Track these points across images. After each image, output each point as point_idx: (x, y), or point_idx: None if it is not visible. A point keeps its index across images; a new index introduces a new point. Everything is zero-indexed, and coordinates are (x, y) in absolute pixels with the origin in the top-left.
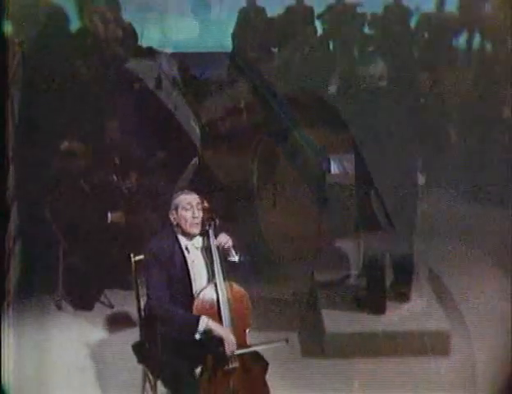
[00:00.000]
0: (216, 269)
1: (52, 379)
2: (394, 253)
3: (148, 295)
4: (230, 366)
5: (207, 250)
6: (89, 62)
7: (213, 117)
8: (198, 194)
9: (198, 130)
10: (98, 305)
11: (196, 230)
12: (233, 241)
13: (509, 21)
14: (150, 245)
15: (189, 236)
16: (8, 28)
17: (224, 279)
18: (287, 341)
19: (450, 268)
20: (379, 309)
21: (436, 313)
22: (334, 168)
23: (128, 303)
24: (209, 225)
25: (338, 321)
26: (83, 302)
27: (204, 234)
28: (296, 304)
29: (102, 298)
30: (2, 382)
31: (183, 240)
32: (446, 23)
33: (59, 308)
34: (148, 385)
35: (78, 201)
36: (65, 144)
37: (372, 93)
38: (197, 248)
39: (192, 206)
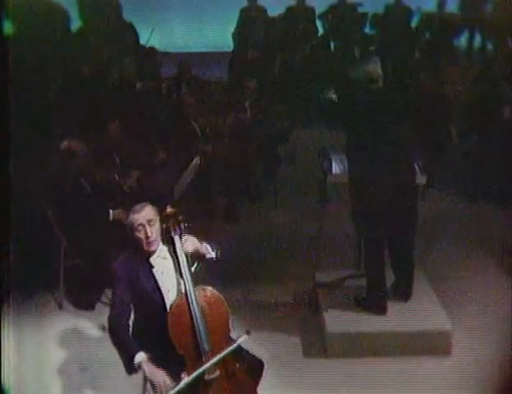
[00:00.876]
0: (184, 277)
1: (53, 379)
2: (395, 253)
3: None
4: (209, 377)
5: (174, 258)
6: (89, 62)
7: (215, 117)
8: (196, 196)
9: (199, 130)
10: (98, 305)
11: (153, 247)
12: (201, 240)
13: (509, 21)
14: (114, 265)
15: (147, 253)
16: (8, 28)
17: (194, 285)
18: (248, 332)
19: (451, 267)
20: (380, 310)
21: (437, 313)
22: (335, 169)
23: None
24: (174, 230)
25: (339, 321)
26: (84, 302)
27: (170, 242)
28: (297, 304)
29: (103, 298)
30: (2, 382)
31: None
32: (447, 23)
33: (60, 307)
34: (148, 385)
35: (79, 200)
36: (65, 144)
37: (374, 93)
38: (164, 258)
39: (143, 225)
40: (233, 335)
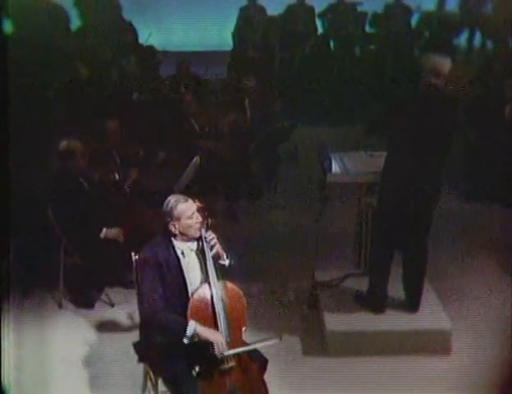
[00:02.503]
0: (209, 269)
1: (53, 378)
2: (409, 266)
3: (139, 300)
4: (227, 366)
5: (201, 251)
6: (89, 61)
7: (214, 116)
8: (192, 195)
9: (199, 130)
10: (98, 304)
11: (199, 232)
12: (221, 244)
13: (509, 20)
14: (144, 252)
15: (189, 240)
16: (8, 28)
17: (218, 278)
18: (281, 338)
19: (451, 267)
20: (378, 308)
21: (436, 312)
22: (335, 167)
23: (129, 301)
24: (202, 224)
25: (339, 320)
26: (83, 300)
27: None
28: (297, 303)
29: (103, 296)
30: (2, 381)
31: (179, 245)
32: (447, 22)
33: (60, 306)
34: (149, 383)
35: (78, 200)
36: (64, 143)
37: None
38: (192, 250)
39: (194, 213)
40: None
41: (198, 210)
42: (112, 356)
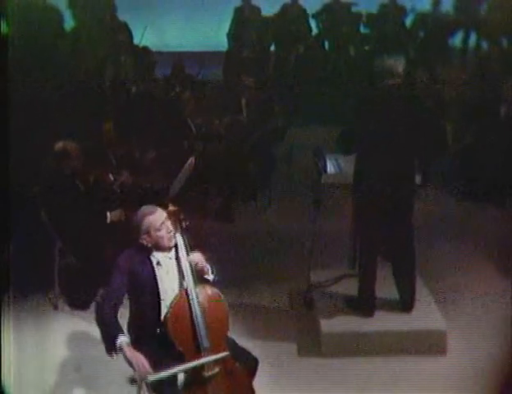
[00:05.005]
0: (186, 275)
1: (51, 378)
2: (398, 266)
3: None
4: (208, 373)
5: (178, 258)
6: (83, 61)
7: (210, 117)
8: (191, 196)
9: (194, 130)
10: (94, 305)
11: (173, 241)
12: (206, 260)
13: (504, 21)
14: (121, 259)
15: (165, 249)
16: (7, 28)
17: (196, 284)
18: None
19: (446, 267)
20: (367, 312)
21: (432, 312)
22: (330, 168)
23: (124, 302)
24: (176, 228)
25: (334, 321)
26: (79, 301)
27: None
28: (292, 304)
29: (98, 298)
30: (2, 381)
31: (156, 255)
32: (442, 22)
33: (55, 307)
34: (144, 384)
35: (73, 200)
36: (59, 144)
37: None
38: (170, 258)
39: (163, 222)
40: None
41: (172, 214)
42: (108, 357)
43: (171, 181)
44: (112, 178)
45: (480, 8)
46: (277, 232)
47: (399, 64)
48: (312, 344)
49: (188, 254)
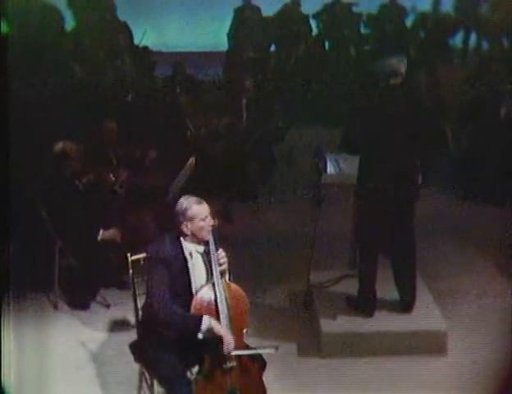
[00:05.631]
0: (214, 270)
1: (51, 378)
2: (398, 266)
3: (148, 297)
4: (228, 365)
5: (207, 253)
6: (83, 62)
7: (210, 117)
8: (199, 196)
9: (194, 130)
10: (94, 305)
11: (209, 235)
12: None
13: (504, 20)
14: (153, 248)
15: (198, 242)
16: (7, 28)
17: (222, 279)
18: (277, 348)
19: (446, 267)
20: (367, 312)
21: (432, 313)
22: (330, 168)
23: (124, 302)
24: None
25: (334, 321)
26: (79, 302)
27: None
28: (292, 304)
29: (99, 298)
30: (2, 381)
31: (188, 246)
32: (442, 23)
33: (55, 308)
34: (144, 384)
35: (73, 201)
36: (59, 145)
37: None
38: (198, 252)
39: (207, 216)
40: None
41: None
42: (108, 357)
43: (171, 182)
44: (112, 178)
45: (480, 8)
46: (277, 232)
47: (401, 64)
48: (312, 344)
49: (217, 251)
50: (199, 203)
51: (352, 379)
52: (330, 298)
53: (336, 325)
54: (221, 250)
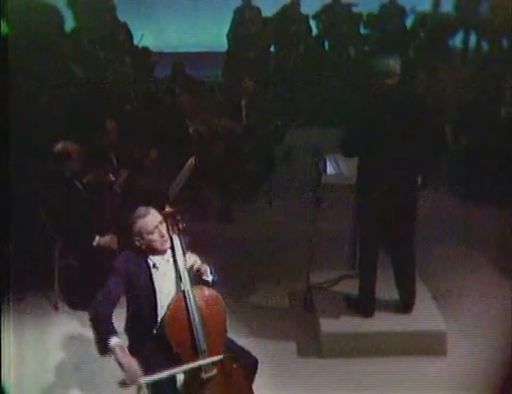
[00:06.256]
0: (182, 276)
1: (51, 379)
2: (398, 267)
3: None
4: (205, 375)
5: (175, 260)
6: (84, 62)
7: (210, 117)
8: (191, 196)
9: (194, 131)
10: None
11: (167, 245)
12: (204, 261)
13: (504, 21)
14: (117, 262)
15: (161, 252)
16: (7, 28)
17: (192, 285)
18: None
19: (446, 268)
20: (367, 312)
21: (432, 313)
22: (330, 169)
23: (124, 303)
24: (173, 230)
25: (334, 321)
26: (78, 302)
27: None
28: (292, 304)
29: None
30: (2, 381)
31: (152, 258)
32: (442, 23)
33: (55, 308)
34: (144, 384)
35: (72, 202)
36: (59, 145)
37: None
38: (168, 261)
39: (156, 226)
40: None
41: (169, 215)
42: (108, 357)
43: (171, 182)
44: (112, 178)
45: (480, 8)
46: (277, 232)
47: (396, 64)
48: (311, 344)
49: (184, 256)
50: (144, 215)
51: (352, 379)
52: (329, 298)
53: (335, 325)
54: (188, 254)
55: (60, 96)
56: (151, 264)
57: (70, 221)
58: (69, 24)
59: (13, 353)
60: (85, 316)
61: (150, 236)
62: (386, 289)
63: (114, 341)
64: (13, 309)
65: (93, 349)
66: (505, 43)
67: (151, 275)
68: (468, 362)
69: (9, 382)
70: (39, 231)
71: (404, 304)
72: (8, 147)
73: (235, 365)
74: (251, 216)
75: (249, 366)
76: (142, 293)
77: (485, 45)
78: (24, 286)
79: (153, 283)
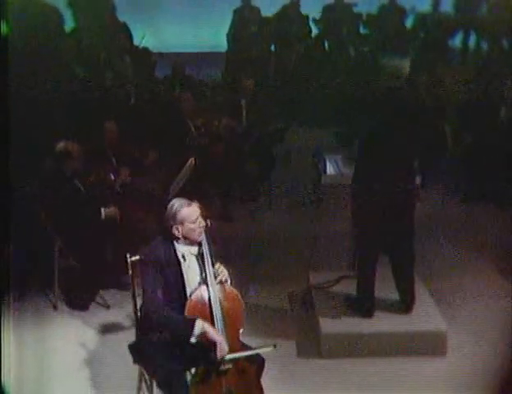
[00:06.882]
0: (208, 271)
1: (50, 379)
2: (397, 267)
3: (143, 300)
4: (224, 368)
5: (200, 255)
6: (83, 62)
7: (210, 117)
8: (191, 196)
9: (194, 131)
10: (94, 306)
11: (202, 236)
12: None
13: (504, 21)
14: (146, 252)
15: (191, 244)
16: (7, 28)
17: (215, 280)
18: (275, 346)
19: (446, 268)
20: (367, 313)
21: (432, 314)
22: (329, 169)
23: (124, 303)
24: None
25: (334, 322)
26: (78, 302)
27: None
28: (292, 305)
29: (98, 298)
30: (2, 382)
31: (181, 248)
32: (442, 23)
33: (55, 308)
34: (143, 385)
35: (73, 201)
36: (59, 145)
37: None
38: (192, 254)
39: (198, 217)
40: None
41: (200, 211)
42: (108, 358)
43: (171, 182)
44: (113, 178)
45: (480, 8)
46: (277, 233)
47: (405, 65)
48: (311, 345)
49: (211, 252)
50: (189, 205)
51: (351, 380)
52: (329, 298)
53: (335, 325)
54: (218, 265)
55: (60, 96)
56: (180, 255)
57: (70, 220)
58: (69, 24)
59: (13, 353)
60: (85, 315)
61: (192, 225)
62: (385, 289)
63: (198, 324)
64: (13, 309)
65: (94, 348)
66: (504, 43)
67: (180, 266)
68: (468, 362)
69: (9, 382)
70: (39, 231)
71: (404, 305)
72: (8, 147)
73: (248, 364)
74: (251, 216)
75: (258, 365)
76: (170, 282)
77: (485, 45)
78: (24, 286)
79: (182, 273)
